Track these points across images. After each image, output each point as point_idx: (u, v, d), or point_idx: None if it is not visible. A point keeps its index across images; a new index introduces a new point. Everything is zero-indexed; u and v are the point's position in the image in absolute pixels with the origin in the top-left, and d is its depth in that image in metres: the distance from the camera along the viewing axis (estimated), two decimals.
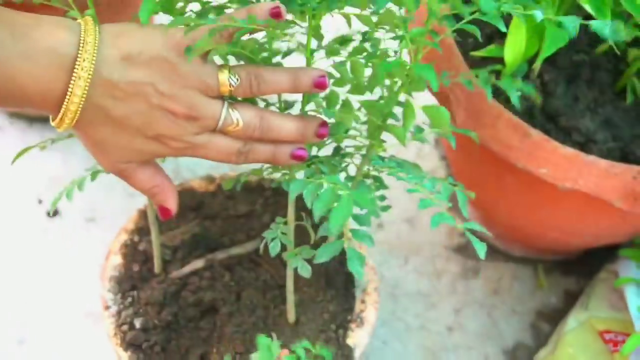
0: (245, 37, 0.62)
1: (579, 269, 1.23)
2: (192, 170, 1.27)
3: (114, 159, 0.63)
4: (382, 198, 0.74)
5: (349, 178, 0.72)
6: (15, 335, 1.10)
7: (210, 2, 0.66)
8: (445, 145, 1.21)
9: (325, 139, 0.66)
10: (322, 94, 0.66)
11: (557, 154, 0.82)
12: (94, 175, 0.77)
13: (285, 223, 0.73)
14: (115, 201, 1.23)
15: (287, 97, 0.70)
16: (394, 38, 0.63)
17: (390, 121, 0.66)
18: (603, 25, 0.57)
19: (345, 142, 0.73)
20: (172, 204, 0.68)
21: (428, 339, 1.14)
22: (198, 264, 0.87)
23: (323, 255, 0.64)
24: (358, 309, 0.87)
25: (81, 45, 0.56)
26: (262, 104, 0.70)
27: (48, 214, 1.23)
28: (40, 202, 1.24)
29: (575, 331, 1.04)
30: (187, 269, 0.86)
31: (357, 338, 0.84)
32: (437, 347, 1.14)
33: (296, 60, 0.69)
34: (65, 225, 1.22)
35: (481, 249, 0.61)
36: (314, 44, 0.64)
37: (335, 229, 0.55)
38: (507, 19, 0.66)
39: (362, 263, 0.62)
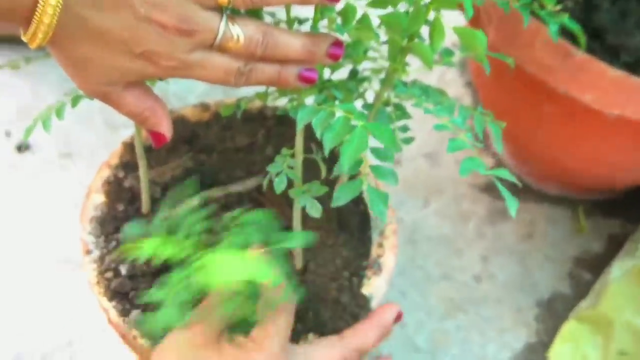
0: None
1: (625, 210, 1.24)
2: (182, 98, 1.27)
3: (96, 81, 0.62)
4: (405, 129, 0.74)
5: (367, 106, 0.72)
6: None
7: None
8: (473, 70, 1.20)
9: (338, 60, 0.65)
10: (338, 7, 0.66)
11: (604, 76, 0.81)
12: (75, 101, 0.76)
13: (292, 155, 0.73)
14: (94, 134, 1.24)
15: (299, 11, 0.69)
16: None
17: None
18: None
19: (363, 65, 0.73)
20: (166, 128, 0.67)
21: (451, 289, 1.16)
22: (192, 202, 0.87)
23: (341, 198, 0.63)
24: (375, 254, 0.87)
25: None
26: (268, 20, 0.69)
27: (18, 148, 1.23)
28: (8, 135, 1.24)
29: (620, 280, 1.05)
30: (180, 208, 0.86)
31: (374, 287, 0.85)
32: (462, 299, 1.15)
33: None
34: (37, 161, 1.23)
35: (512, 205, 0.61)
36: None
37: (348, 164, 0.55)
38: None
39: (386, 203, 0.62)
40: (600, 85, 0.82)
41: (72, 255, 1.11)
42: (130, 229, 0.77)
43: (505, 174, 0.62)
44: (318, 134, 0.58)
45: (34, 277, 1.12)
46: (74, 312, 1.08)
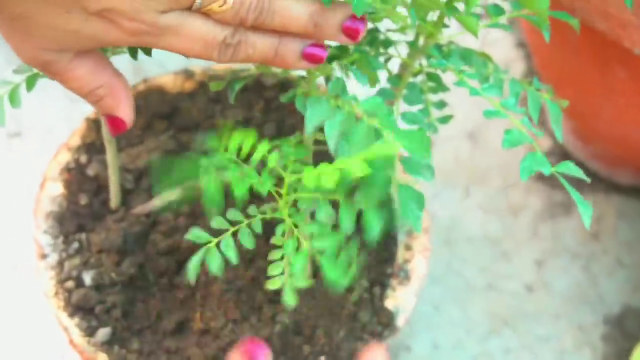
0: None
1: None
2: (160, 63, 1.26)
3: (39, 45, 0.59)
4: (441, 105, 0.73)
5: (393, 79, 0.71)
6: None
7: None
8: (526, 27, 1.19)
9: (357, 39, 0.63)
10: None
11: None
12: (31, 82, 0.74)
13: (300, 142, 0.73)
14: (50, 109, 1.23)
15: None
16: None
17: None
18: None
19: (384, 23, 0.72)
20: (126, 112, 0.65)
21: (498, 302, 1.15)
22: (172, 194, 0.87)
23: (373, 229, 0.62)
24: (401, 258, 0.87)
25: None
26: None
27: None
28: None
29: None
30: (157, 201, 0.86)
31: (400, 299, 0.85)
32: (511, 314, 1.15)
33: None
34: None
35: (586, 213, 0.61)
36: None
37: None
38: None
39: (422, 206, 0.61)
40: None
41: (26, 259, 1.12)
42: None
43: (572, 168, 0.62)
44: (331, 146, 0.57)
45: None
46: (26, 332, 1.08)
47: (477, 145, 1.25)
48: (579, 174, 0.64)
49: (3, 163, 1.21)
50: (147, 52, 0.69)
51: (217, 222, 0.70)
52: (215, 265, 0.67)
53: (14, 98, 0.74)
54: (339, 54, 0.67)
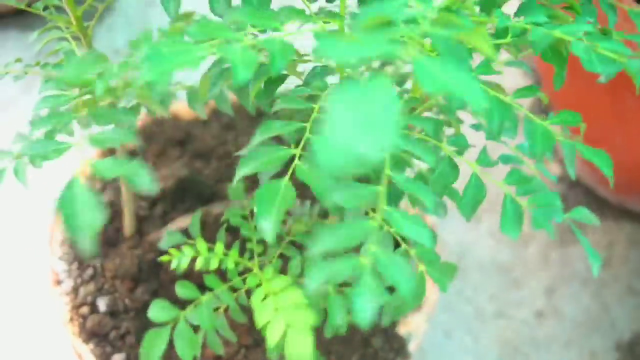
0: None
1: None
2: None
3: None
4: (459, 142, 0.71)
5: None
6: None
7: None
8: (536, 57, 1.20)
9: None
10: None
11: None
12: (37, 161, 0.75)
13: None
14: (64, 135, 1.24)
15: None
16: None
17: None
18: None
19: None
20: None
21: (508, 329, 1.15)
22: (186, 221, 0.87)
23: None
24: None
25: None
26: None
27: None
28: None
29: None
30: (172, 228, 0.87)
31: (413, 325, 0.85)
32: (522, 341, 1.15)
33: None
34: None
35: (596, 262, 0.62)
36: None
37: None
38: None
39: (452, 276, 0.64)
40: None
41: (41, 285, 1.12)
42: (171, 236, 0.77)
43: (585, 215, 0.63)
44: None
45: None
46: (41, 358, 1.09)
47: (488, 173, 1.26)
48: (592, 220, 0.65)
49: (20, 193, 1.21)
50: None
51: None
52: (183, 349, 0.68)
53: (18, 173, 0.76)
54: None
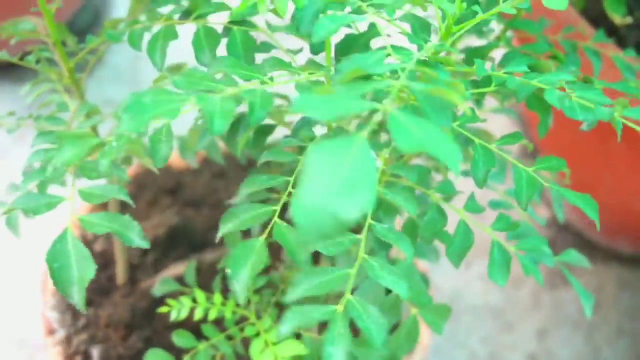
0: None
1: None
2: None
3: None
4: (446, 189, 0.72)
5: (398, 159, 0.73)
6: None
7: None
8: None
9: None
10: None
11: None
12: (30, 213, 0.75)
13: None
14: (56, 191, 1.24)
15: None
16: None
17: None
18: None
19: None
20: None
21: None
22: (178, 269, 0.88)
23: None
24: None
25: None
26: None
27: None
28: None
29: None
30: (165, 276, 0.87)
31: None
32: None
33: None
34: None
35: (588, 304, 0.63)
36: None
37: None
38: None
39: (446, 318, 0.65)
40: None
41: (32, 336, 1.12)
42: (165, 284, 0.78)
43: (575, 257, 0.64)
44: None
45: None
46: None
47: (477, 218, 1.26)
48: (583, 262, 0.66)
49: (13, 240, 1.22)
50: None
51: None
52: None
53: (12, 225, 0.77)
54: None
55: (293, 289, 0.52)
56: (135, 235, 0.56)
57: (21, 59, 0.69)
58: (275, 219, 0.55)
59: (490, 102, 1.05)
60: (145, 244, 0.56)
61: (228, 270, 0.53)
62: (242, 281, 0.52)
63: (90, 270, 0.49)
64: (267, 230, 0.54)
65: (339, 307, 0.51)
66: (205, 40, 0.60)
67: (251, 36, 0.60)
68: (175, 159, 0.98)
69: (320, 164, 0.31)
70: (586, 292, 0.64)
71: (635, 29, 0.94)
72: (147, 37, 0.63)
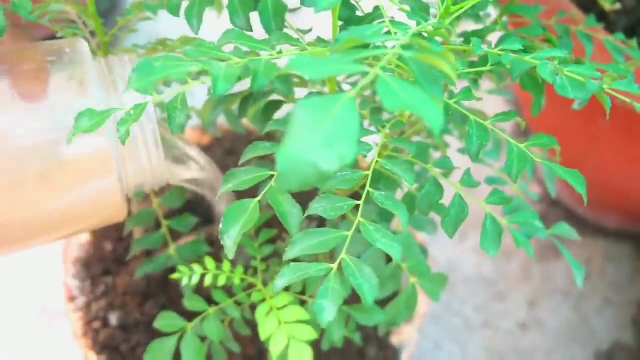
0: None
1: None
2: None
3: None
4: (445, 164, 0.72)
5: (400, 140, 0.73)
6: None
7: None
8: (516, 85, 1.21)
9: None
10: None
11: None
12: None
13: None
14: None
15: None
16: None
17: None
18: None
19: None
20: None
21: (494, 339, 1.16)
22: (191, 239, 0.88)
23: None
24: None
25: None
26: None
27: None
28: None
29: None
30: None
31: (404, 335, 0.86)
32: (507, 350, 1.15)
33: None
34: None
35: (579, 274, 0.63)
36: None
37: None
38: None
39: (443, 286, 0.65)
40: None
41: (52, 304, 1.13)
42: (184, 249, 0.78)
43: (566, 230, 0.64)
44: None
45: (9, 333, 1.13)
46: None
47: (472, 193, 1.26)
48: (572, 235, 0.66)
49: None
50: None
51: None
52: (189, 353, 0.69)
53: None
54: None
55: (292, 247, 0.53)
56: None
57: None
58: (272, 183, 0.55)
59: (486, 85, 1.05)
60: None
61: (220, 227, 0.53)
62: (232, 237, 0.53)
63: None
64: (262, 193, 0.55)
65: (334, 265, 0.51)
66: (239, 5, 0.60)
67: (281, 1, 0.60)
68: (189, 135, 0.98)
69: (305, 117, 0.31)
70: (577, 263, 0.65)
71: (624, 15, 0.94)
72: (184, 5, 0.64)
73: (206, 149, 0.97)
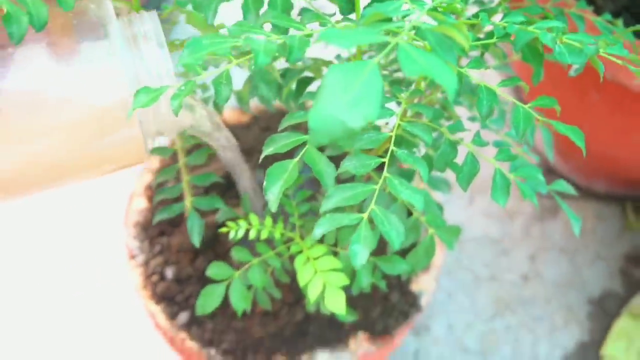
0: None
1: None
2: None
3: None
4: (456, 127, 0.72)
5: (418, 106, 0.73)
6: (36, 301, 1.13)
7: None
8: (515, 62, 1.21)
9: None
10: None
11: None
12: None
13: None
14: None
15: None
16: None
17: None
18: None
19: None
20: None
21: (500, 290, 1.16)
22: (235, 203, 0.88)
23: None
24: None
25: None
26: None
27: None
28: None
29: None
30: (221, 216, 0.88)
31: (423, 284, 0.86)
32: (511, 299, 1.15)
33: None
34: None
35: (576, 224, 0.63)
36: None
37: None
38: None
39: (457, 237, 0.65)
40: None
41: (114, 264, 1.14)
42: (225, 213, 0.79)
43: (564, 186, 0.64)
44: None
45: (79, 285, 1.14)
46: (118, 320, 1.10)
47: (480, 162, 1.26)
48: (570, 190, 0.66)
49: (98, 186, 1.23)
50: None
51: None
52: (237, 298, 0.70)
53: None
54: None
55: (327, 200, 0.53)
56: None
57: None
58: (307, 146, 0.55)
59: (489, 62, 1.04)
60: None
61: (264, 184, 0.53)
62: (274, 193, 0.53)
63: None
64: (299, 155, 0.55)
65: (364, 215, 0.51)
66: (252, 5, 0.60)
67: (289, 0, 0.60)
68: (229, 115, 0.98)
69: (335, 81, 0.31)
70: (574, 215, 0.65)
71: (610, 1, 0.94)
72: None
73: (245, 127, 0.98)
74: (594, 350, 1.10)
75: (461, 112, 0.83)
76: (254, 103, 1.00)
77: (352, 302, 0.83)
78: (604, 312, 1.14)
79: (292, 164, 0.55)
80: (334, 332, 0.83)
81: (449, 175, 0.74)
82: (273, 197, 0.54)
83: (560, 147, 1.16)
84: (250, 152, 0.95)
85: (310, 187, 0.77)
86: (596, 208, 1.24)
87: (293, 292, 0.84)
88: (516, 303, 1.15)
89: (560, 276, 1.17)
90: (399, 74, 0.73)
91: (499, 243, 1.20)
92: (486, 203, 1.23)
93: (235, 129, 0.97)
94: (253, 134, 0.97)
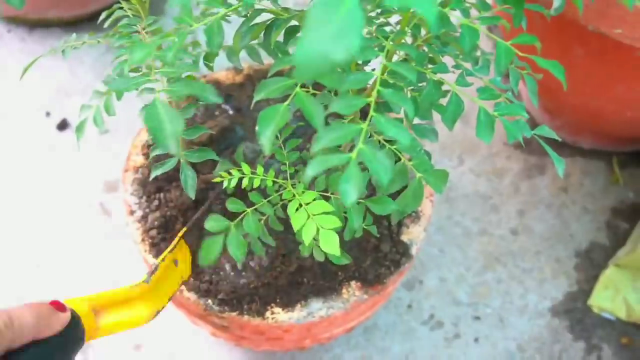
0: None
1: None
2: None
3: None
4: (440, 83, 0.70)
5: (400, 65, 0.70)
6: (33, 259, 1.12)
7: None
8: (500, 15, 1.18)
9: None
10: None
11: (635, 9, 0.80)
12: (120, 93, 0.73)
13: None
14: (131, 110, 1.24)
15: None
16: None
17: None
18: None
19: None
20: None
21: (490, 244, 1.14)
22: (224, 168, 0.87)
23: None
24: None
25: None
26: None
27: (58, 127, 1.24)
28: (48, 114, 1.25)
29: None
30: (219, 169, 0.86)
31: (413, 234, 0.84)
32: (501, 253, 1.14)
33: None
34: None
35: (560, 165, 0.61)
36: None
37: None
38: None
39: (444, 180, 0.64)
40: (632, 18, 0.80)
41: (108, 221, 1.12)
42: (223, 164, 0.77)
43: (547, 131, 0.63)
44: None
45: (78, 244, 1.13)
46: (119, 268, 1.09)
47: (467, 124, 1.25)
48: (553, 135, 0.64)
49: (96, 154, 1.21)
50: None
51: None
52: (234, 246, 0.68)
53: (108, 108, 0.74)
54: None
55: (317, 141, 0.51)
56: (210, 94, 0.56)
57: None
58: (297, 89, 0.54)
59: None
60: (219, 99, 0.56)
61: (257, 128, 0.51)
62: (267, 136, 0.51)
63: (179, 125, 0.48)
64: (290, 98, 0.53)
65: (353, 154, 0.49)
66: None
67: None
68: (223, 75, 0.96)
69: (317, 16, 0.30)
70: (558, 157, 0.63)
71: None
72: None
73: (239, 86, 0.96)
74: (581, 300, 1.08)
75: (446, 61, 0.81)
76: (247, 63, 0.98)
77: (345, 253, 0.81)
78: (591, 264, 1.12)
79: (283, 107, 0.53)
80: (327, 281, 0.81)
81: (441, 140, 0.72)
82: (266, 140, 0.52)
83: (546, 104, 1.14)
84: (243, 110, 0.93)
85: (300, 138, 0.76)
86: (582, 164, 1.22)
87: (285, 245, 0.82)
88: (506, 256, 1.13)
89: (549, 230, 1.16)
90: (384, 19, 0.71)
91: (488, 199, 1.18)
92: (475, 163, 1.21)
93: (230, 89, 0.95)
94: (247, 92, 0.95)
